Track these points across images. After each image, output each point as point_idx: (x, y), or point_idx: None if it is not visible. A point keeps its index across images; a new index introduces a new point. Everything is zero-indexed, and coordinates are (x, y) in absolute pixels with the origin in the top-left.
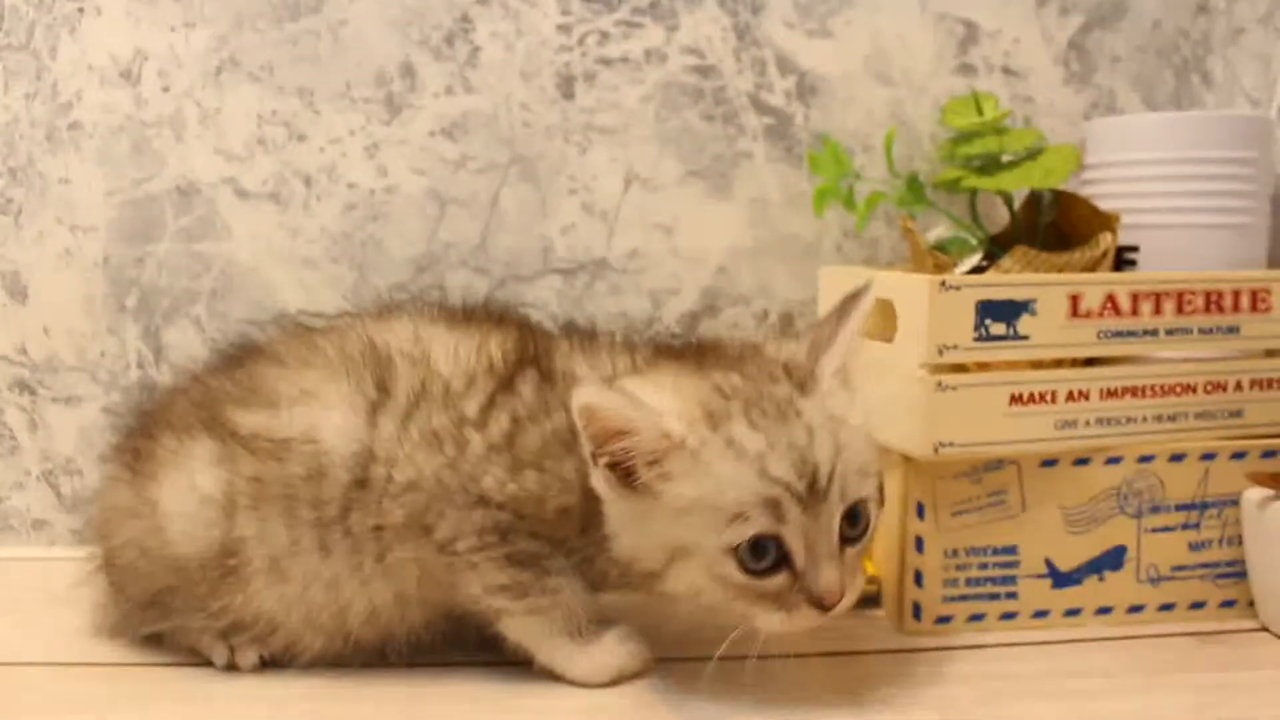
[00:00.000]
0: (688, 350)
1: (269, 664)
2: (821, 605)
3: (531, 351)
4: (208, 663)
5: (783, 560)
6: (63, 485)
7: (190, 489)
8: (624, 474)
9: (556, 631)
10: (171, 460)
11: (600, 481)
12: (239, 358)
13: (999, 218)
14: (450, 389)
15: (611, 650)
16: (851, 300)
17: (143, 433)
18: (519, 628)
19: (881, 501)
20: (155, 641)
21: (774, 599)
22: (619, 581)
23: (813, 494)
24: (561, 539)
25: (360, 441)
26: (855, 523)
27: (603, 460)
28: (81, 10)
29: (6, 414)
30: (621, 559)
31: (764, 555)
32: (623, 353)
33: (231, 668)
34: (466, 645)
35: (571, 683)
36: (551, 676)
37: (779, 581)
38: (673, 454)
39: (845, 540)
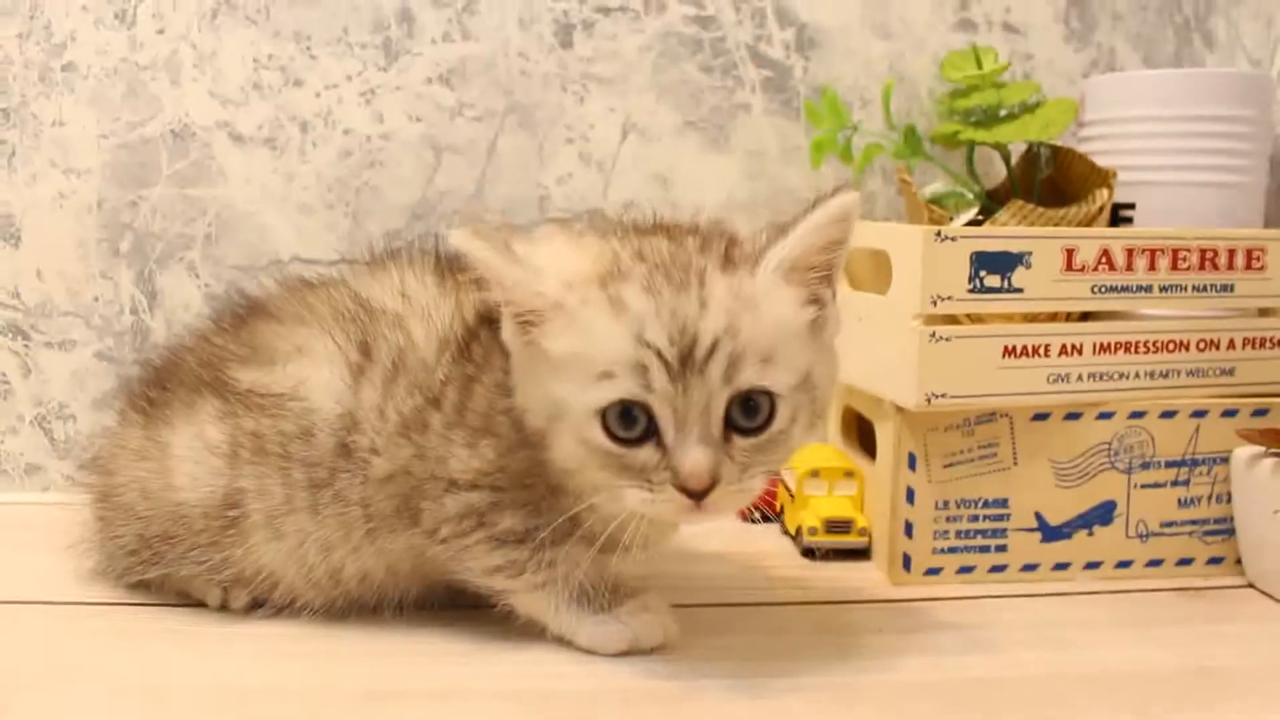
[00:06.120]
0: (648, 224)
1: (260, 604)
2: (686, 489)
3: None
4: (200, 603)
5: (653, 434)
6: (55, 430)
7: (199, 436)
8: (523, 326)
9: (562, 603)
10: (185, 411)
11: (507, 332)
12: (242, 315)
13: (996, 174)
14: (425, 362)
15: (624, 620)
16: (822, 199)
17: (157, 383)
18: (524, 605)
19: (814, 416)
20: (143, 584)
21: (640, 473)
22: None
23: (685, 365)
24: (535, 502)
25: (344, 404)
26: (752, 414)
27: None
28: None
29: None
30: (524, 421)
31: (633, 424)
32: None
33: (224, 608)
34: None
35: (580, 649)
36: (563, 642)
37: (645, 454)
38: (550, 312)
39: (738, 430)
